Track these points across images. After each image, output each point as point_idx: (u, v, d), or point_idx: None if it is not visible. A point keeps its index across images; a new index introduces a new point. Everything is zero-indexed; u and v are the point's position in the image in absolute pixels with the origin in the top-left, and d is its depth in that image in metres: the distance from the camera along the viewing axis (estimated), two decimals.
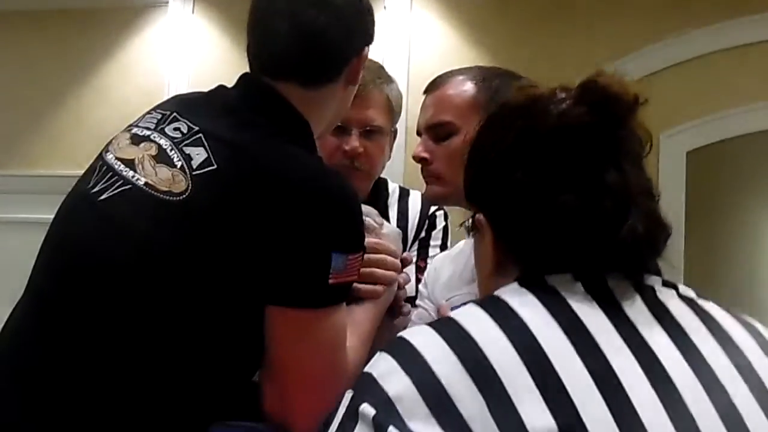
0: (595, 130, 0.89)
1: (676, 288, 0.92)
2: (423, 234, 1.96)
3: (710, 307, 0.91)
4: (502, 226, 0.93)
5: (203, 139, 1.27)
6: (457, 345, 0.81)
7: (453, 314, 0.87)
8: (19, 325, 1.32)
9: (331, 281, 1.22)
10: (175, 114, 1.34)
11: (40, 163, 4.64)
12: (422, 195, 1.94)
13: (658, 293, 0.88)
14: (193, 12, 4.61)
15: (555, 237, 0.88)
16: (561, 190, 0.88)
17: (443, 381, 0.79)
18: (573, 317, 0.83)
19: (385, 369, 0.83)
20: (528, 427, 0.75)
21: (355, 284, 1.36)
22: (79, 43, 4.71)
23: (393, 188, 2.01)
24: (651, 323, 0.84)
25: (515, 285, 0.88)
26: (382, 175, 1.99)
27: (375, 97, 1.83)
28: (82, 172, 1.39)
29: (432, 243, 1.95)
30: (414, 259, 1.90)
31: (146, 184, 1.25)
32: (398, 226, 1.93)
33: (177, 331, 1.21)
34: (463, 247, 1.72)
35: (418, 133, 1.67)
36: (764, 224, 4.55)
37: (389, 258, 1.45)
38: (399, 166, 3.97)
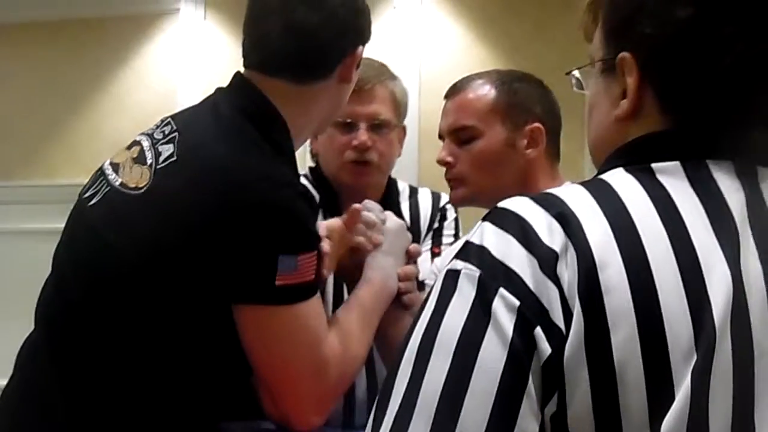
0: None
1: None
2: (436, 225, 2.00)
3: None
4: (655, 63, 0.88)
5: (177, 136, 1.32)
6: (560, 218, 0.80)
7: (553, 190, 0.85)
8: (33, 339, 1.39)
9: (278, 283, 1.23)
10: (170, 119, 1.39)
11: (60, 172, 4.69)
12: (432, 192, 1.98)
13: (762, 186, 0.84)
14: (204, 18, 4.65)
15: (712, 80, 0.84)
16: (731, 35, 0.83)
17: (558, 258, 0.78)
18: (667, 199, 0.81)
19: (506, 249, 0.79)
20: (607, 308, 0.75)
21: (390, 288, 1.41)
22: (94, 52, 4.75)
23: (403, 187, 2.06)
24: (744, 218, 0.81)
25: (621, 170, 0.86)
26: (392, 176, 2.03)
27: (380, 92, 1.87)
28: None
29: (445, 232, 2.00)
30: (427, 248, 1.94)
31: (121, 183, 1.31)
32: (411, 221, 1.97)
33: (156, 330, 1.25)
34: None
35: (440, 137, 1.71)
36: None
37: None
38: (413, 168, 4.01)
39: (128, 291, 1.25)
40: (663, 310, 0.75)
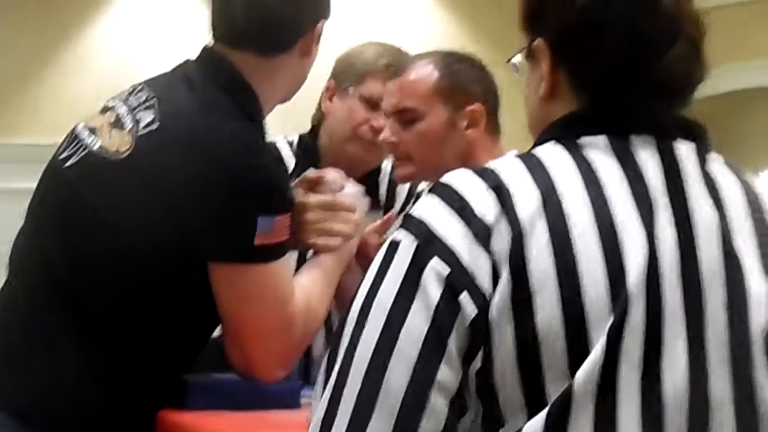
0: None
1: (703, 157, 0.96)
2: (410, 206, 2.07)
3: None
4: (563, 48, 0.97)
5: (156, 103, 1.40)
6: (496, 191, 0.88)
7: (493, 164, 0.93)
8: (10, 290, 1.45)
9: (257, 242, 1.33)
10: (143, 86, 1.47)
11: (22, 132, 4.66)
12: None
13: (677, 157, 0.93)
14: None
15: (608, 57, 0.94)
16: (620, 15, 0.93)
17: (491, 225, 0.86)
18: (592, 172, 0.90)
19: (443, 222, 0.87)
20: (531, 273, 0.83)
21: (311, 240, 1.49)
22: (57, 14, 4.72)
23: (385, 164, 2.12)
24: (661, 188, 0.90)
25: (551, 144, 0.95)
26: None
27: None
28: (60, 140, 1.50)
29: None
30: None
31: (100, 147, 1.39)
32: (387, 198, 2.04)
33: (134, 287, 1.34)
34: None
35: (386, 116, 1.77)
36: None
37: (343, 213, 1.55)
38: None
39: (110, 251, 1.34)
40: (582, 277, 0.83)
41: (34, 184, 1.48)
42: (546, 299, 0.83)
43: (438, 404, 0.83)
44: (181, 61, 1.51)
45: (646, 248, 0.85)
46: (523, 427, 0.83)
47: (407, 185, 2.04)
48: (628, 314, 0.83)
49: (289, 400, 1.42)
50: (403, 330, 0.84)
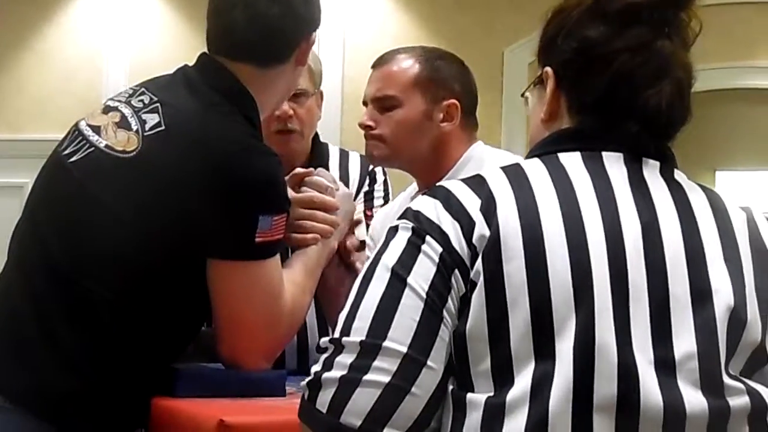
0: (660, 7, 1.08)
1: (671, 176, 1.09)
2: (366, 188, 2.16)
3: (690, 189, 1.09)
4: (565, 74, 1.11)
5: (160, 107, 1.48)
6: (481, 195, 1.03)
7: (482, 173, 1.08)
8: (7, 279, 1.51)
9: (257, 240, 1.42)
10: (143, 89, 1.55)
11: None
12: (361, 156, 2.14)
13: (643, 169, 1.07)
14: None
15: (600, 85, 1.08)
16: (619, 49, 1.07)
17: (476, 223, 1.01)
18: (567, 182, 1.04)
19: (436, 213, 1.02)
20: (502, 242, 0.99)
21: (287, 235, 1.56)
22: (19, 8, 4.72)
23: (334, 151, 2.21)
24: (626, 191, 1.04)
25: (534, 159, 1.09)
26: (323, 140, 2.17)
27: None
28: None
29: (375, 195, 2.16)
30: (360, 211, 2.10)
31: (106, 146, 1.47)
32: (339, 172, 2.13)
33: (136, 281, 1.41)
34: (402, 202, 1.91)
35: (365, 104, 1.88)
36: None
37: (320, 213, 1.65)
38: (335, 131, 4.14)
39: (114, 243, 1.41)
40: (547, 249, 0.99)
41: None
42: (514, 267, 0.98)
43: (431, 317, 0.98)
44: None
45: (609, 233, 1.00)
46: (507, 393, 0.96)
47: (358, 168, 2.14)
48: (594, 291, 0.97)
49: (276, 388, 1.50)
50: (407, 290, 0.99)
